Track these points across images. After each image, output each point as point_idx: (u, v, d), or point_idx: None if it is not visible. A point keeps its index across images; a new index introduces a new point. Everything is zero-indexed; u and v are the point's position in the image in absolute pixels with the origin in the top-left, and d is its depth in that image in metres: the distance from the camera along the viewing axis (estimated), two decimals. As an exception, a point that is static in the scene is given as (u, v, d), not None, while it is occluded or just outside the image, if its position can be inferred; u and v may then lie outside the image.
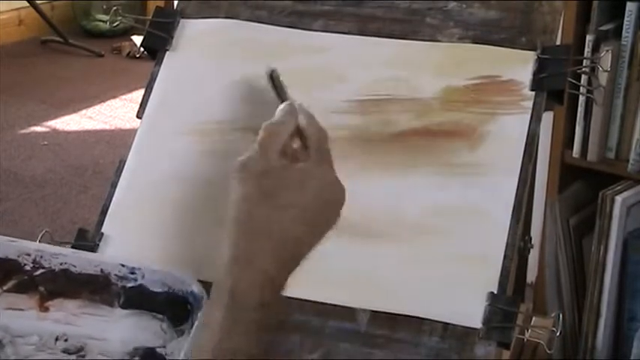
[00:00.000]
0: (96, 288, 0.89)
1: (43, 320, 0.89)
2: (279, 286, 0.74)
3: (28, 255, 0.89)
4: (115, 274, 0.89)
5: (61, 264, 0.89)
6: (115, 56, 3.48)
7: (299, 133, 0.80)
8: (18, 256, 0.89)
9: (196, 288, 0.86)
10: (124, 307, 0.89)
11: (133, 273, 0.88)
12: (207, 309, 0.75)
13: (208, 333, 0.72)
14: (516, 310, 0.86)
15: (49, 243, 0.97)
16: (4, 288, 0.89)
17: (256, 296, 0.72)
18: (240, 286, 0.72)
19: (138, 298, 0.88)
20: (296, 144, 0.80)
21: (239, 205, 0.74)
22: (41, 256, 0.89)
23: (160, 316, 0.88)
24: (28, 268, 0.90)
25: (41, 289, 0.89)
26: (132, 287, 0.88)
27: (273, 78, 0.88)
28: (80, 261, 0.89)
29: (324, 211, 0.76)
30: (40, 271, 0.90)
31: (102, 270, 0.89)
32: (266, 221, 0.73)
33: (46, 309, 0.89)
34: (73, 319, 0.89)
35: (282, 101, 0.85)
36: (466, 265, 0.90)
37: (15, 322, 0.87)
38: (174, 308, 0.88)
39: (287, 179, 0.75)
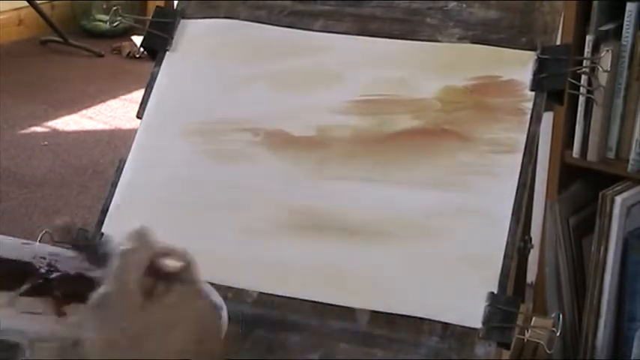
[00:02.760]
0: None
1: (60, 324, 0.87)
2: None
3: (43, 258, 0.88)
4: None
5: (76, 267, 0.88)
6: (115, 56, 3.48)
7: (157, 263, 0.70)
8: (32, 259, 0.88)
9: (216, 298, 0.81)
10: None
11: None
12: None
13: None
14: (516, 310, 0.86)
15: (48, 243, 0.97)
16: (20, 292, 0.88)
17: None
18: None
19: None
20: (155, 276, 0.69)
21: (105, 355, 0.64)
22: (56, 260, 0.88)
23: None
24: (42, 271, 0.89)
25: (56, 293, 0.88)
26: None
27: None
28: None
29: (203, 347, 0.67)
30: (56, 274, 0.88)
31: None
32: None
33: (63, 313, 0.88)
34: None
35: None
36: (466, 265, 0.90)
37: (33, 327, 0.86)
38: None
39: (153, 321, 0.65)
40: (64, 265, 0.88)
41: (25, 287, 0.88)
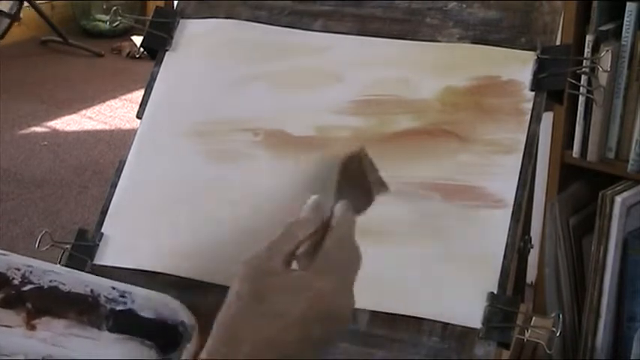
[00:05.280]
0: (84, 308, 0.87)
1: (29, 339, 0.86)
2: None
3: (18, 269, 0.87)
4: (105, 296, 0.86)
5: (50, 281, 0.87)
6: (115, 56, 3.49)
7: (321, 233, 0.74)
8: (7, 270, 0.87)
9: (187, 318, 0.84)
10: (112, 330, 0.86)
11: (123, 296, 0.86)
12: None
13: None
14: (516, 310, 0.86)
15: (49, 243, 0.97)
16: None
17: None
18: None
19: (127, 323, 0.86)
20: (308, 245, 0.74)
21: (230, 306, 0.70)
22: (31, 272, 0.87)
23: (149, 342, 0.86)
24: (16, 282, 0.87)
25: (28, 305, 0.88)
26: (121, 311, 0.86)
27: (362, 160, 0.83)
28: (70, 279, 0.87)
29: (316, 324, 0.69)
30: (29, 286, 0.87)
31: (92, 290, 0.87)
32: (252, 326, 0.68)
33: (33, 327, 0.87)
34: (59, 339, 0.86)
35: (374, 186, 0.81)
36: (466, 265, 0.89)
37: (2, 340, 0.86)
38: (163, 336, 0.85)
39: (283, 287, 0.70)
40: (38, 277, 0.88)
41: None
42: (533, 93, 0.97)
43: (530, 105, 0.96)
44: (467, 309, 0.87)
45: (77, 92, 3.12)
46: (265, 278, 0.70)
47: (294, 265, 0.73)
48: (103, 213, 0.99)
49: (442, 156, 0.95)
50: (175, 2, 1.15)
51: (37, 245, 0.97)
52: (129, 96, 3.06)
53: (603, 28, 1.39)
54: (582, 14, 1.41)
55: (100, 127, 2.86)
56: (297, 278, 0.71)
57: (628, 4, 1.36)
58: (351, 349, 0.87)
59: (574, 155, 1.47)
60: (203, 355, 0.68)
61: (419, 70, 1.01)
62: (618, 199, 1.42)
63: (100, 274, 0.95)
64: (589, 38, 1.38)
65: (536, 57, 0.98)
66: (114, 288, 0.86)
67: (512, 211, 0.91)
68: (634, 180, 1.44)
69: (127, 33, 3.48)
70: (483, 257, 0.90)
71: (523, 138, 0.95)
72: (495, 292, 0.88)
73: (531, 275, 1.56)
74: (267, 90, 1.02)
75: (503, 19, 1.02)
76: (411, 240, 0.92)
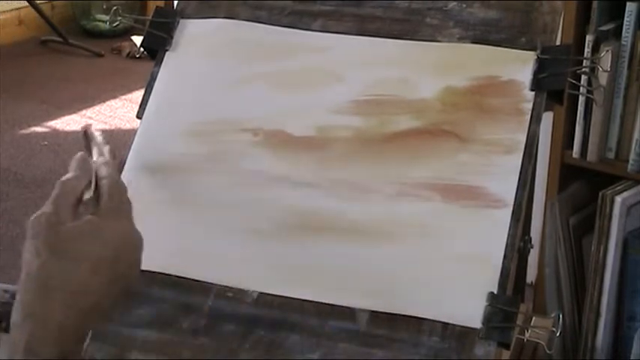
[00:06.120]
0: None
1: None
2: (79, 338, 0.73)
3: None
4: None
5: None
6: (115, 56, 3.48)
7: (95, 184, 0.79)
8: None
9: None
10: (8, 331, 0.85)
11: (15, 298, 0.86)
12: None
13: None
14: (516, 310, 0.86)
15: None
16: None
17: (54, 351, 0.70)
18: (35, 343, 0.70)
19: None
20: (89, 195, 0.78)
21: (31, 262, 0.72)
22: None
23: None
24: None
25: None
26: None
27: (87, 135, 0.91)
28: None
29: (119, 261, 0.74)
30: None
31: None
32: (60, 275, 0.71)
33: None
34: None
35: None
36: (466, 265, 0.90)
37: None
38: None
39: (78, 232, 0.73)
40: None
41: None
42: (533, 93, 0.97)
43: (530, 105, 0.96)
44: (467, 309, 0.87)
45: (77, 92, 3.11)
46: (57, 230, 0.73)
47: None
48: (103, 213, 0.99)
49: (442, 156, 0.95)
50: (175, 2, 1.15)
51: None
52: (129, 96, 3.06)
53: (603, 28, 1.39)
54: (582, 14, 1.41)
55: (100, 127, 2.86)
56: (88, 223, 0.74)
57: (628, 4, 1.36)
58: (351, 349, 0.87)
59: (574, 155, 1.47)
60: (19, 308, 0.70)
61: (419, 70, 1.01)
62: (618, 199, 1.42)
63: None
64: (589, 38, 1.38)
65: (536, 57, 0.98)
66: (6, 292, 0.88)
67: (512, 211, 0.91)
68: (634, 180, 1.44)
69: (127, 33, 3.48)
70: (483, 257, 0.90)
71: (523, 138, 0.95)
72: (495, 292, 0.88)
73: (531, 275, 1.56)
74: (267, 90, 1.02)
75: (503, 19, 1.02)
76: (411, 240, 0.92)
